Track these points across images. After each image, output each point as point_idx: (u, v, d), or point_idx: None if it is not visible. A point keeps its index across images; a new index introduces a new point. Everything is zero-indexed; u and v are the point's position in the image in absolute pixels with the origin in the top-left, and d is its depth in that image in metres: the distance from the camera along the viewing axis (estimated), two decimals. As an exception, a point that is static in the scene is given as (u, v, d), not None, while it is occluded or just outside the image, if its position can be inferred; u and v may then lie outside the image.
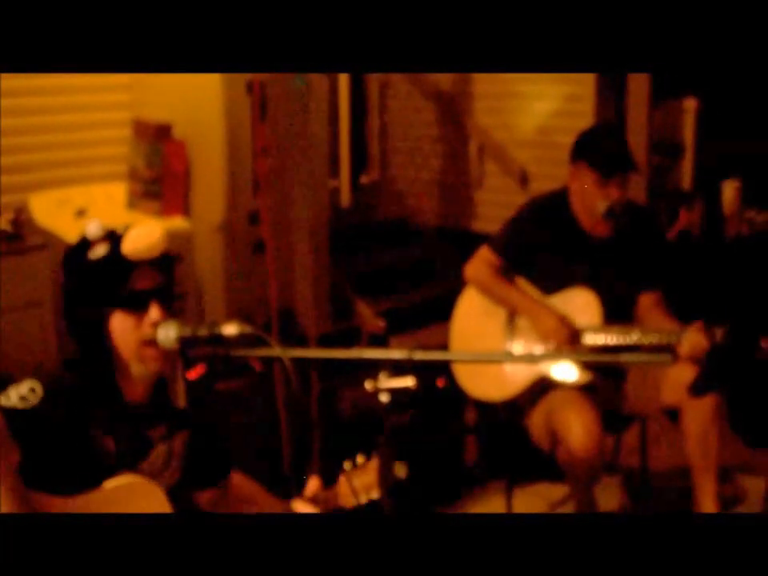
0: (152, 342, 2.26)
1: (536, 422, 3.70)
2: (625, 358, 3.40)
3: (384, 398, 2.04)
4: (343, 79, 6.47)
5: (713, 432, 3.61)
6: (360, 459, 2.59)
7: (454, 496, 4.40)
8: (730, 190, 5.87)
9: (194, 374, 3.80)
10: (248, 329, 2.18)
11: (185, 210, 4.80)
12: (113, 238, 2.28)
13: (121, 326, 2.27)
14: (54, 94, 4.89)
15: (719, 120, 6.06)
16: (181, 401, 2.44)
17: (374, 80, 7.12)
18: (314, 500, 2.54)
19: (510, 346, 3.82)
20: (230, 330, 2.17)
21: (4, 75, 4.40)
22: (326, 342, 4.64)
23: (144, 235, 2.28)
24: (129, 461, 2.29)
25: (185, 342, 2.23)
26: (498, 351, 3.86)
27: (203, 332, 2.21)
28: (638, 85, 6.01)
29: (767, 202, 5.75)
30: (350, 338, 5.06)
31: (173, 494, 2.34)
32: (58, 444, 2.15)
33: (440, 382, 4.28)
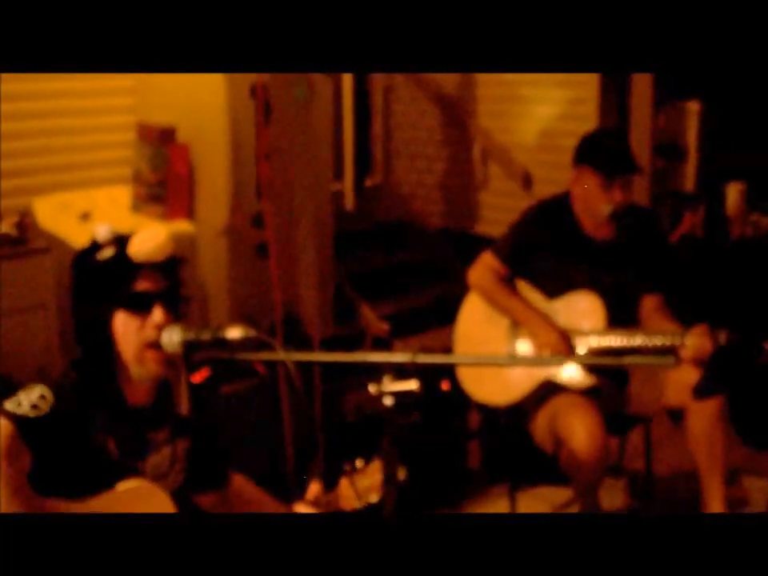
0: (154, 345, 2.27)
1: (539, 425, 3.70)
2: (628, 360, 3.40)
3: (388, 401, 2.04)
4: (347, 83, 6.49)
5: (718, 433, 3.61)
6: (360, 463, 2.59)
7: (458, 499, 4.40)
8: (734, 193, 5.87)
9: (198, 377, 3.81)
10: (252, 332, 2.18)
11: (189, 213, 4.81)
12: (120, 240, 2.31)
13: (124, 326, 2.28)
14: (58, 97, 4.90)
15: (723, 123, 6.07)
16: (184, 406, 2.45)
17: (377, 84, 7.13)
18: (315, 503, 2.54)
19: (514, 350, 3.82)
20: (234, 333, 2.18)
21: (8, 79, 4.41)
22: (329, 345, 4.64)
23: (150, 238, 2.30)
24: (131, 463, 2.30)
25: (189, 346, 2.24)
26: (502, 355, 3.86)
27: (207, 336, 2.21)
28: (642, 88, 6.01)
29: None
30: (354, 342, 5.06)
31: (176, 497, 2.34)
32: (67, 449, 2.16)
33: (444, 386, 4.28)
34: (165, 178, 4.74)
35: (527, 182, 6.46)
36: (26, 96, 4.71)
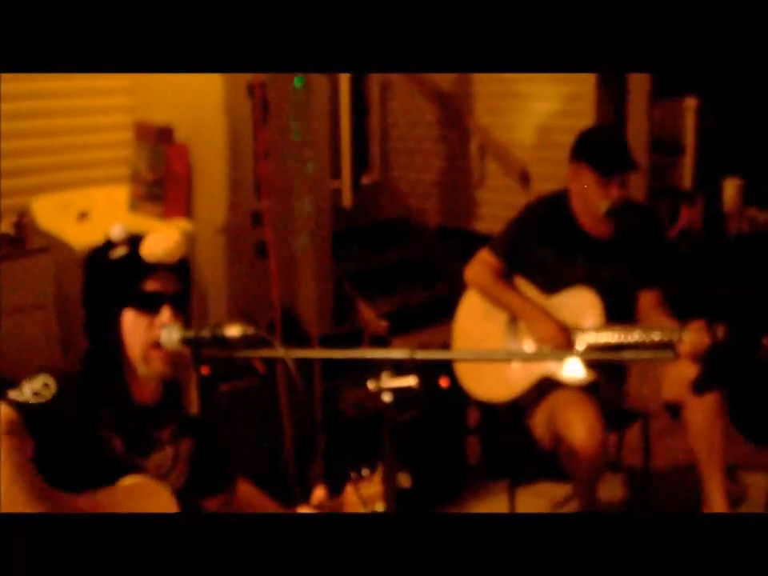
0: (159, 344, 2.28)
1: (538, 421, 3.71)
2: (627, 354, 3.41)
3: (387, 397, 2.04)
4: (344, 80, 6.49)
5: (716, 428, 3.62)
6: (365, 471, 2.59)
7: (457, 496, 4.41)
8: (731, 188, 5.88)
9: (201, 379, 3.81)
10: (251, 330, 2.19)
11: (187, 212, 4.82)
12: (133, 240, 2.33)
13: (132, 325, 2.30)
14: (56, 97, 4.90)
15: (720, 118, 6.08)
16: (194, 405, 2.46)
17: (374, 81, 7.14)
18: (319, 508, 2.54)
19: (512, 347, 3.83)
20: (233, 331, 2.18)
21: (5, 78, 4.41)
22: (328, 343, 4.65)
23: (163, 240, 2.32)
24: (135, 461, 2.31)
25: (188, 344, 2.25)
26: (500, 350, 3.87)
27: (206, 334, 2.22)
28: (638, 84, 6.02)
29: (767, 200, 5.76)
30: (353, 339, 5.07)
31: (180, 496, 2.35)
32: (68, 440, 2.17)
33: (443, 383, 4.29)
34: (163, 177, 4.74)
35: (525, 178, 6.47)
36: (24, 95, 4.72)
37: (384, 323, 5.27)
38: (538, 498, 4.36)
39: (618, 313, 3.69)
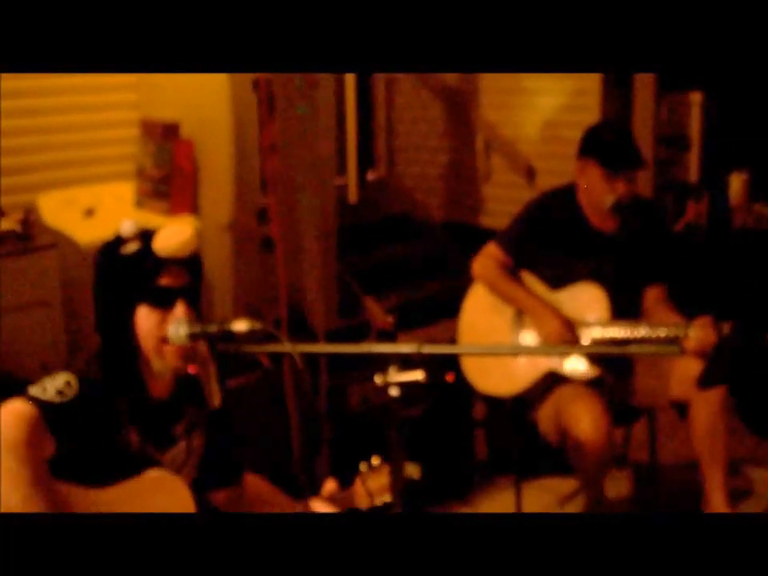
0: (166, 339, 2.28)
1: (544, 416, 3.71)
2: (633, 349, 3.42)
3: (394, 391, 2.05)
4: (350, 76, 6.48)
5: (721, 425, 3.62)
6: (375, 461, 2.60)
7: (464, 490, 4.42)
8: (737, 183, 5.87)
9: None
10: (257, 325, 2.19)
11: (193, 208, 4.83)
12: (145, 235, 2.32)
13: (146, 321, 2.29)
14: (62, 94, 4.91)
15: (726, 113, 6.07)
16: (216, 399, 2.45)
17: (380, 77, 7.13)
18: (331, 499, 2.55)
19: (518, 340, 3.83)
20: (240, 326, 2.19)
21: (11, 76, 4.42)
22: (334, 338, 4.65)
23: (175, 234, 2.31)
24: (152, 455, 2.32)
25: (195, 338, 2.25)
26: (507, 345, 3.88)
27: (213, 329, 2.22)
28: (644, 78, 6.02)
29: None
30: (359, 335, 5.06)
31: (192, 490, 2.36)
32: (91, 438, 2.17)
33: (449, 377, 4.29)
34: (169, 173, 4.75)
35: (531, 173, 6.46)
36: (30, 93, 4.73)
37: (390, 318, 5.26)
38: (544, 493, 4.37)
39: (623, 308, 3.69)
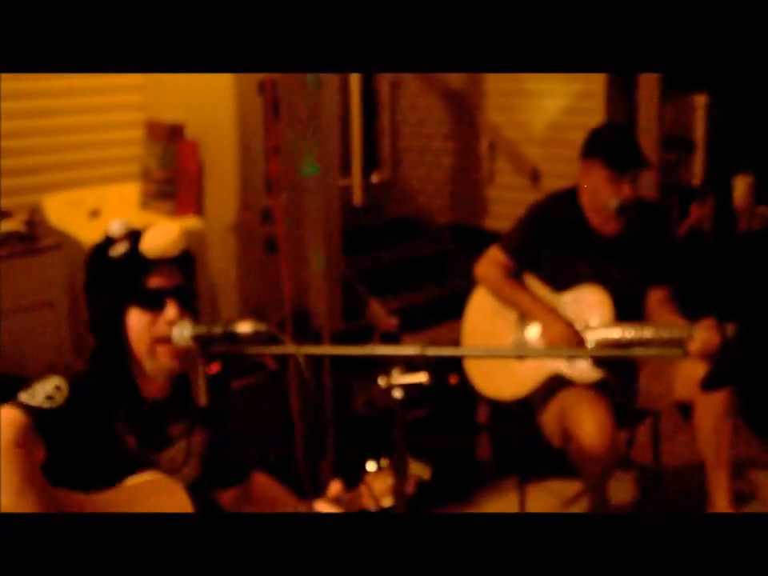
0: (166, 340, 2.27)
1: (548, 419, 3.71)
2: (636, 351, 3.42)
3: (397, 393, 2.05)
4: (354, 78, 6.49)
5: (725, 427, 3.62)
6: (384, 462, 2.60)
7: (467, 493, 4.42)
8: (742, 186, 5.86)
9: (209, 371, 3.82)
10: (262, 327, 2.19)
11: (198, 209, 4.83)
12: (133, 236, 2.31)
13: (137, 322, 2.28)
14: (67, 95, 4.92)
15: (730, 116, 6.06)
16: (202, 398, 2.45)
17: (385, 79, 7.13)
18: (336, 501, 2.55)
19: (522, 344, 3.83)
20: (244, 328, 2.19)
21: (17, 77, 4.42)
22: (339, 340, 4.66)
23: (163, 234, 2.30)
24: (148, 457, 2.31)
25: (199, 340, 2.25)
26: (510, 348, 3.88)
27: (217, 330, 2.22)
28: (649, 81, 6.02)
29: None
30: (363, 336, 5.07)
31: (193, 490, 2.36)
32: (83, 442, 2.16)
33: (452, 380, 4.30)
34: (174, 174, 4.76)
35: (535, 176, 6.46)
36: (35, 94, 4.73)
37: (394, 320, 5.27)
38: (547, 496, 4.37)
39: (627, 310, 3.69)
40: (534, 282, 3.84)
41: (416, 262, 6.36)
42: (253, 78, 4.49)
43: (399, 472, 2.15)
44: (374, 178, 7.11)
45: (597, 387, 3.64)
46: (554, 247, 3.77)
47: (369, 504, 2.56)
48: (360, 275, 5.51)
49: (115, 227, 2.33)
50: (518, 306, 3.81)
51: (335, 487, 2.56)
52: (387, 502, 2.54)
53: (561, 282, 3.78)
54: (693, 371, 3.60)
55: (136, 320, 2.29)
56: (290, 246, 4.33)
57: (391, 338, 5.19)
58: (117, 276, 2.29)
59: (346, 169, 6.29)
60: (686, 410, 3.73)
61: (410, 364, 2.06)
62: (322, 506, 2.51)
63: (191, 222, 4.71)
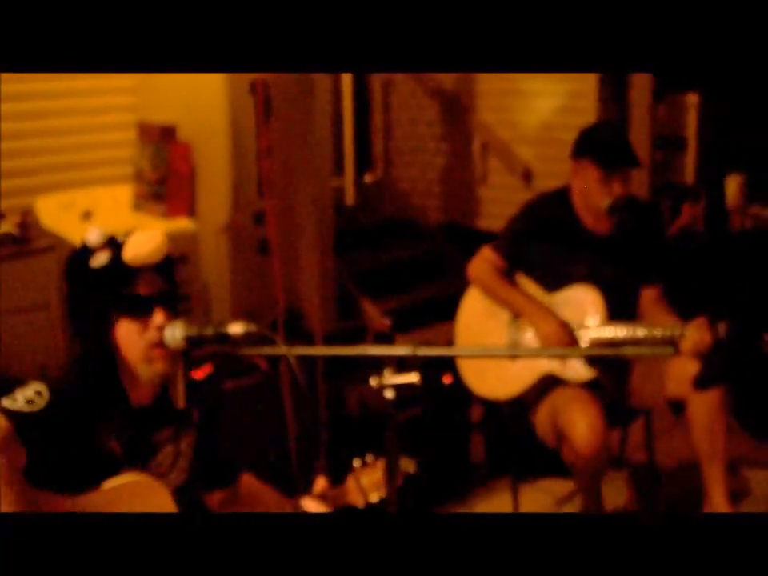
0: (159, 344, 2.26)
1: (541, 419, 3.72)
2: (627, 350, 3.42)
3: (389, 394, 2.05)
4: (346, 78, 6.49)
5: (719, 423, 3.62)
6: (369, 457, 2.60)
7: (461, 493, 4.42)
8: (733, 185, 5.88)
9: (201, 373, 3.82)
10: (254, 328, 2.19)
11: (190, 211, 4.82)
12: (114, 245, 2.28)
13: (127, 332, 2.26)
14: (59, 97, 4.91)
15: (722, 115, 6.07)
16: (181, 401, 2.43)
17: (377, 79, 7.14)
18: (322, 497, 2.55)
19: (514, 343, 3.83)
20: (236, 329, 2.19)
21: (9, 79, 4.42)
22: (332, 340, 4.66)
23: (145, 241, 2.27)
24: (135, 464, 2.30)
25: (191, 342, 2.25)
26: (503, 347, 3.89)
27: (209, 331, 2.22)
28: (641, 80, 6.03)
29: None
30: (356, 337, 5.07)
31: (180, 494, 2.36)
32: (64, 447, 2.16)
33: (446, 379, 4.30)
34: (166, 176, 4.75)
35: (527, 175, 6.46)
36: (27, 96, 4.72)
37: (387, 321, 5.28)
38: (541, 495, 4.37)
39: (619, 310, 3.69)
40: (526, 282, 3.84)
41: (409, 262, 6.36)
42: (245, 79, 4.48)
43: (391, 464, 2.15)
44: (367, 178, 7.12)
45: (589, 386, 3.65)
46: (546, 247, 3.77)
47: (356, 499, 2.56)
48: (353, 276, 5.51)
49: (93, 236, 2.29)
50: (510, 306, 3.82)
51: (321, 483, 2.56)
52: (374, 497, 2.55)
53: (553, 281, 3.78)
54: (685, 369, 3.60)
55: (126, 330, 2.27)
56: (282, 246, 4.33)
57: (384, 339, 5.19)
58: (101, 287, 2.26)
59: (338, 169, 6.29)
60: (678, 408, 3.73)
61: (403, 364, 2.07)
62: (308, 503, 2.51)
63: (183, 224, 4.70)
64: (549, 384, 3.69)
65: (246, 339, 2.20)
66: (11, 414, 2.08)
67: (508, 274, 3.83)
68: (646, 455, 4.18)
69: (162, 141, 4.76)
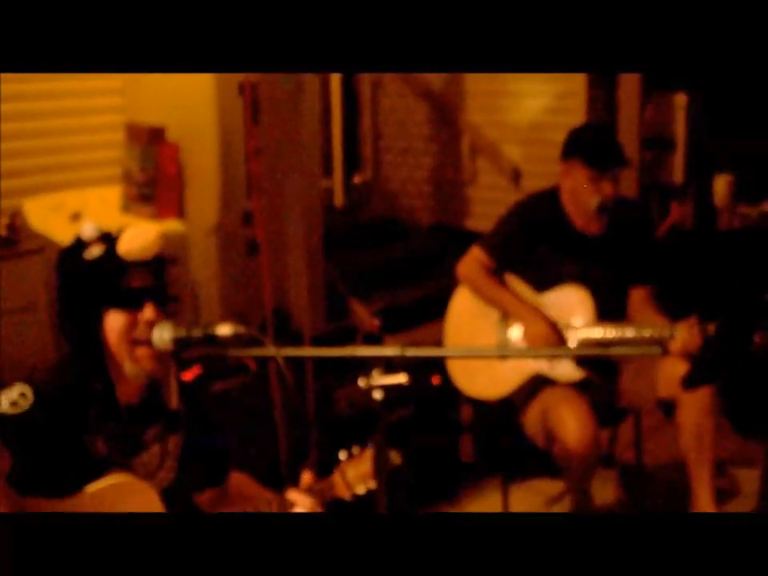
0: (145, 342, 2.27)
1: (531, 419, 3.72)
2: (616, 350, 3.43)
3: (377, 394, 2.05)
4: (335, 79, 6.49)
5: (708, 424, 3.63)
6: (356, 449, 2.60)
7: (451, 493, 4.42)
8: (722, 184, 5.89)
9: (189, 375, 3.82)
10: (242, 329, 2.19)
11: (179, 212, 4.81)
12: (108, 239, 2.31)
13: (115, 325, 2.28)
14: (47, 98, 4.89)
15: (710, 114, 6.09)
16: (174, 402, 2.44)
17: (365, 80, 7.14)
18: (309, 490, 2.54)
19: (504, 343, 3.83)
20: (225, 330, 2.19)
21: (-4, 80, 4.41)
22: (321, 341, 4.65)
23: (139, 236, 2.30)
24: (121, 462, 2.30)
25: (179, 343, 2.25)
26: (492, 347, 3.89)
27: (198, 333, 2.22)
28: (629, 80, 6.04)
29: (758, 196, 5.76)
30: (346, 338, 5.07)
31: (168, 494, 2.35)
32: (49, 448, 2.16)
33: (435, 380, 4.30)
34: (154, 177, 4.74)
35: (516, 176, 6.47)
36: (14, 97, 4.70)
37: (377, 321, 5.27)
38: (531, 495, 4.37)
39: (608, 310, 3.70)
40: (515, 282, 3.84)
41: (398, 263, 6.36)
42: (233, 80, 4.48)
43: (379, 456, 2.15)
44: (356, 179, 7.12)
45: (578, 387, 3.65)
46: (535, 247, 3.77)
47: (342, 492, 2.56)
48: (342, 276, 5.50)
49: (87, 230, 2.32)
50: (499, 306, 3.82)
51: (307, 477, 2.56)
52: (360, 489, 2.54)
53: (542, 281, 3.78)
54: (675, 369, 3.60)
55: (114, 321, 2.28)
56: (271, 247, 4.32)
57: (374, 339, 5.19)
58: (93, 278, 2.29)
59: (327, 170, 6.29)
60: (668, 408, 3.73)
61: (391, 365, 2.07)
62: (295, 496, 2.50)
63: (172, 225, 4.69)
64: (538, 384, 3.69)
65: (235, 340, 2.20)
66: None
67: (497, 274, 3.83)
68: (634, 454, 4.19)
69: (150, 142, 4.75)
